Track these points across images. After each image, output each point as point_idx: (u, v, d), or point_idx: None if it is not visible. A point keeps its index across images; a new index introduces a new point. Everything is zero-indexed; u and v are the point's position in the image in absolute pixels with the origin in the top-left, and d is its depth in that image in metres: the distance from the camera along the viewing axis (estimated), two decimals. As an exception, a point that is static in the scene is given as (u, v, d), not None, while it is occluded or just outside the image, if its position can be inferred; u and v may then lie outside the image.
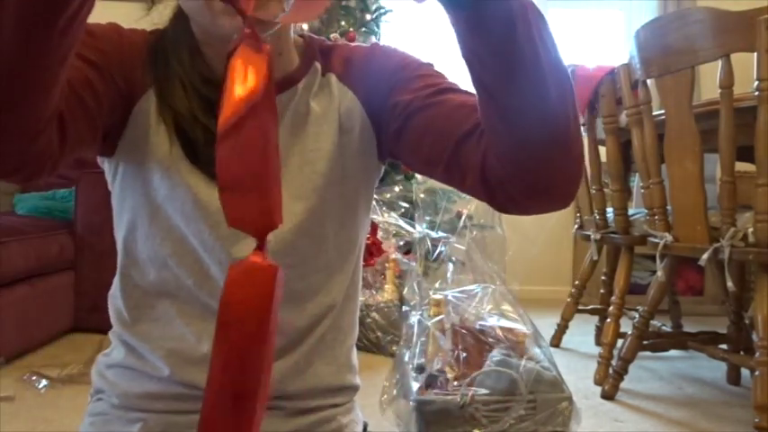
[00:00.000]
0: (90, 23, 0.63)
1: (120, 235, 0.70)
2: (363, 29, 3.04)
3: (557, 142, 0.52)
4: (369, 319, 2.43)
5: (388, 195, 2.72)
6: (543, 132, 0.52)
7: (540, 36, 0.50)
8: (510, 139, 0.53)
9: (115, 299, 0.72)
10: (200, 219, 0.65)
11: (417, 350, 1.57)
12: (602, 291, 2.60)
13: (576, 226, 2.68)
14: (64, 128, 0.53)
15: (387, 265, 2.56)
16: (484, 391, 1.39)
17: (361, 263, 0.79)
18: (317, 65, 0.72)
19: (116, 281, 0.72)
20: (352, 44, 0.79)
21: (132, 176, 0.67)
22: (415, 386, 1.43)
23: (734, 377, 2.17)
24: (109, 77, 0.62)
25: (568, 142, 0.53)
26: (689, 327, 2.51)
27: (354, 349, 0.81)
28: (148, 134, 0.65)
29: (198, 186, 0.65)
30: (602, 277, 2.60)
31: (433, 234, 2.52)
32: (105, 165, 0.71)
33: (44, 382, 1.94)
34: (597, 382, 2.08)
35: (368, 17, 3.05)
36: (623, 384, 2.01)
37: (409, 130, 0.66)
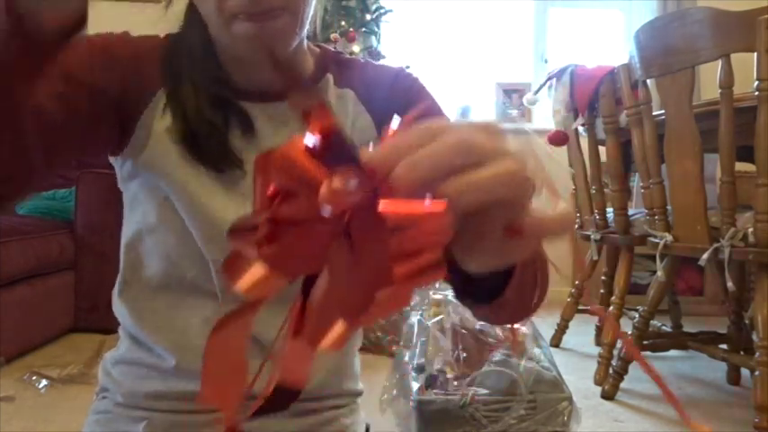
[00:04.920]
0: (94, 36, 0.65)
1: (129, 229, 0.71)
2: (363, 29, 3.04)
3: (521, 319, 0.57)
4: (369, 319, 2.43)
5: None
6: (519, 313, 0.55)
7: (531, 281, 0.51)
8: (487, 318, 0.58)
9: (118, 295, 0.72)
10: (198, 213, 0.66)
11: (417, 350, 1.57)
12: (602, 291, 2.60)
13: (576, 226, 2.68)
14: (52, 146, 0.54)
15: (387, 265, 2.56)
16: (484, 391, 1.39)
17: None
18: (330, 76, 0.73)
19: (119, 277, 0.72)
20: (376, 63, 0.80)
21: (139, 172, 0.68)
22: (415, 386, 1.43)
23: (734, 377, 2.17)
24: (116, 84, 0.63)
25: (531, 315, 0.56)
26: (689, 327, 2.51)
27: (357, 357, 0.81)
28: (156, 134, 0.66)
29: (197, 187, 0.65)
30: (602, 277, 2.60)
31: (433, 234, 2.52)
32: (114, 160, 0.71)
33: (44, 382, 1.94)
34: (597, 382, 2.09)
35: (368, 17, 3.05)
36: (623, 384, 2.01)
37: None
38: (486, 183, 0.28)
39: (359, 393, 0.81)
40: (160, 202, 0.67)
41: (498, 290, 0.47)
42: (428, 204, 0.26)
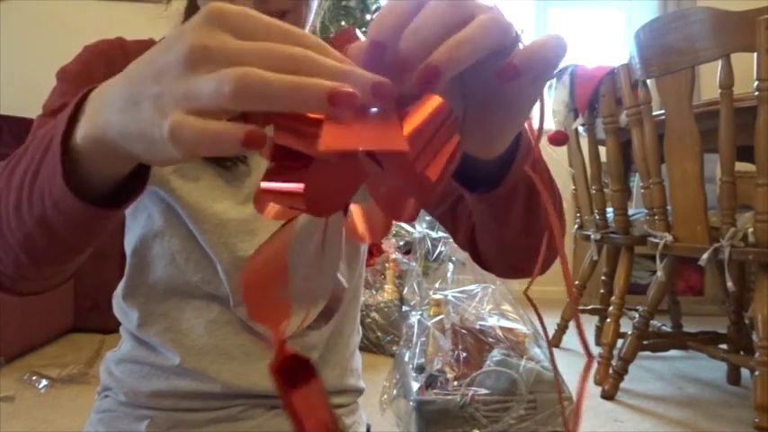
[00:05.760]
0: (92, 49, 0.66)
1: (134, 234, 0.71)
2: (363, 29, 3.03)
3: (539, 252, 0.55)
4: (369, 319, 2.43)
5: (388, 195, 2.72)
6: (528, 246, 0.55)
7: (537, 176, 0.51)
8: (497, 243, 0.57)
9: (121, 299, 0.72)
10: (203, 219, 0.66)
11: (417, 350, 1.57)
12: (602, 291, 2.60)
13: (576, 226, 2.68)
14: None
15: (387, 265, 2.56)
16: (484, 391, 1.39)
17: (364, 271, 0.79)
18: None
19: (123, 281, 0.72)
20: None
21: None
22: (415, 386, 1.43)
23: (734, 377, 2.17)
24: None
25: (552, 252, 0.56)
26: (689, 327, 2.51)
27: (357, 354, 0.81)
28: None
29: (199, 195, 0.66)
30: (602, 277, 2.60)
31: (433, 234, 2.52)
32: None
33: (44, 382, 1.94)
34: (597, 382, 2.08)
35: (368, 17, 3.05)
36: (623, 384, 2.01)
37: None
38: (467, 36, 0.29)
39: (360, 391, 0.81)
40: (164, 206, 0.67)
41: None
42: (425, 104, 0.28)
